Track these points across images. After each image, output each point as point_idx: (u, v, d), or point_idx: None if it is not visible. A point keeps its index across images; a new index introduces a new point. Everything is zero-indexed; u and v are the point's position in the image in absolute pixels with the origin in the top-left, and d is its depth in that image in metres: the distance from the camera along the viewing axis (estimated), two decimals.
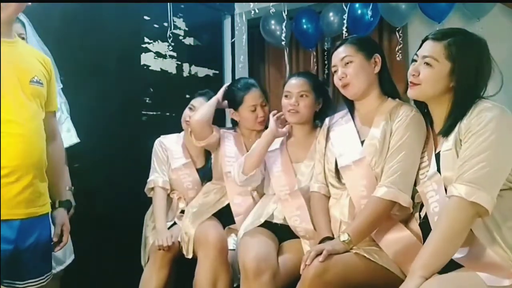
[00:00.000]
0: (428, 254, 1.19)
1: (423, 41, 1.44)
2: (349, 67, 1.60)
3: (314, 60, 3.10)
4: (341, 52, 1.62)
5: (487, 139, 1.21)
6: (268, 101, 2.13)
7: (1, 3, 1.32)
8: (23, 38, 1.73)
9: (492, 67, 1.36)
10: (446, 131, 1.34)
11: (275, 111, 1.94)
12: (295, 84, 1.88)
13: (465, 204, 1.19)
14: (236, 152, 2.06)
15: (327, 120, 1.80)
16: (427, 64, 1.36)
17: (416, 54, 1.42)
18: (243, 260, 1.63)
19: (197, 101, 2.22)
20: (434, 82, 1.35)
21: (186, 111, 2.23)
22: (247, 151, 2.00)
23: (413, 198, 1.49)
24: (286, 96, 1.88)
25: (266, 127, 1.96)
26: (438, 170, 1.35)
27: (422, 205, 1.44)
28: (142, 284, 1.94)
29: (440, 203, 1.33)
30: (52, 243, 1.51)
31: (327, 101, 1.95)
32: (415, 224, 1.49)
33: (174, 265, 1.98)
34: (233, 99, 2.09)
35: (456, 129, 1.31)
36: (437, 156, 1.37)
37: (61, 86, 1.94)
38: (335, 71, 1.65)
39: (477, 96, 1.33)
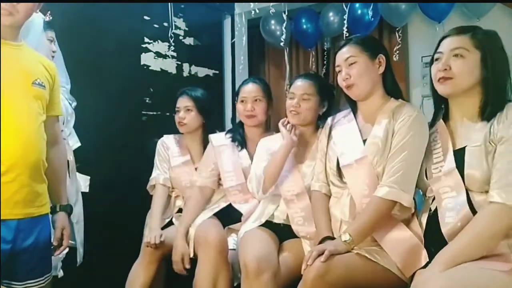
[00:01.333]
0: (455, 252, 1.22)
1: (440, 42, 1.45)
2: (353, 68, 1.58)
3: (313, 60, 3.10)
4: (345, 53, 1.60)
5: None
6: (269, 99, 2.12)
7: (11, 9, 1.35)
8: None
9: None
10: (487, 117, 1.34)
11: (283, 120, 1.90)
12: (299, 86, 1.87)
13: (506, 210, 1.21)
14: (234, 164, 2.06)
15: (329, 119, 1.79)
16: (458, 55, 1.37)
17: (438, 53, 1.42)
18: (244, 259, 1.63)
19: (179, 102, 2.23)
20: (469, 73, 1.36)
21: (176, 115, 2.24)
22: (251, 156, 2.03)
23: (424, 193, 1.50)
24: (290, 97, 1.88)
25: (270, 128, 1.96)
26: (459, 166, 1.35)
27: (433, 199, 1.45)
28: (130, 278, 1.95)
29: (455, 200, 1.34)
30: (52, 247, 1.51)
31: (332, 104, 1.94)
32: (416, 225, 1.50)
33: (163, 263, 1.99)
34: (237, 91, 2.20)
35: (488, 127, 1.32)
36: (460, 152, 1.37)
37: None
38: (339, 71, 1.64)
39: (507, 91, 1.36)
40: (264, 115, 2.09)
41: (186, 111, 2.20)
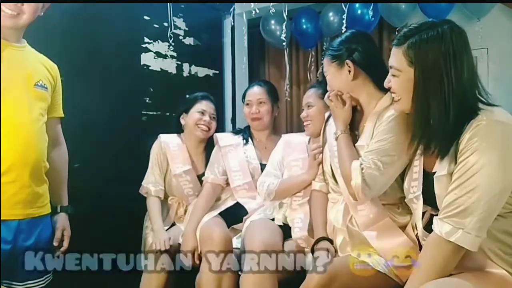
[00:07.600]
0: (420, 281, 1.14)
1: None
2: (328, 80, 1.61)
3: (313, 60, 3.09)
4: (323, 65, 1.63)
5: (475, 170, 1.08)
6: (274, 102, 2.16)
7: (18, 10, 1.36)
8: None
9: (469, 59, 1.17)
10: (441, 152, 1.18)
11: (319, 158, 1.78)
12: (304, 97, 1.93)
13: (444, 243, 1.11)
14: (241, 163, 2.07)
15: (326, 113, 1.75)
16: (393, 75, 1.27)
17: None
18: (251, 243, 1.64)
19: (205, 106, 2.22)
20: (407, 91, 1.21)
21: (198, 115, 2.20)
22: (258, 156, 2.06)
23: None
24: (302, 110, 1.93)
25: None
26: (430, 189, 1.25)
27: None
28: (143, 285, 1.94)
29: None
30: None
31: None
32: (410, 229, 1.47)
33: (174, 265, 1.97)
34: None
35: (453, 147, 1.15)
36: (429, 176, 1.25)
37: None
38: None
39: (467, 100, 1.15)
40: (269, 117, 2.12)
41: (212, 118, 2.22)
